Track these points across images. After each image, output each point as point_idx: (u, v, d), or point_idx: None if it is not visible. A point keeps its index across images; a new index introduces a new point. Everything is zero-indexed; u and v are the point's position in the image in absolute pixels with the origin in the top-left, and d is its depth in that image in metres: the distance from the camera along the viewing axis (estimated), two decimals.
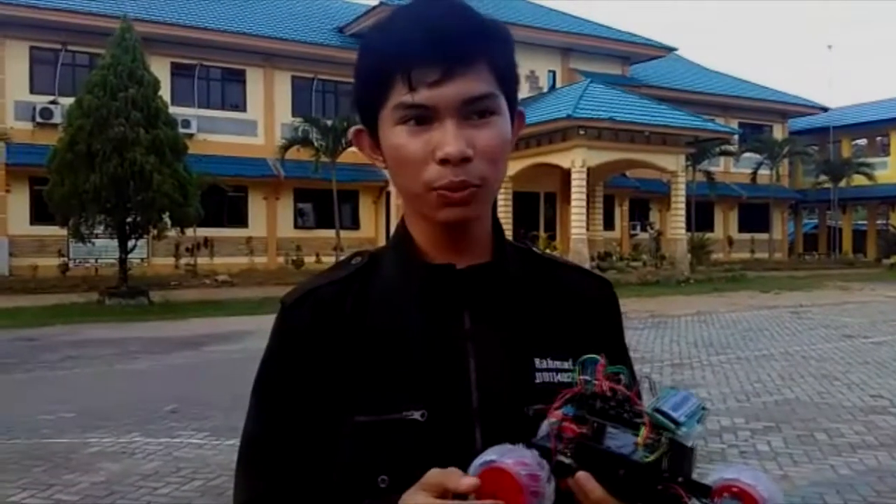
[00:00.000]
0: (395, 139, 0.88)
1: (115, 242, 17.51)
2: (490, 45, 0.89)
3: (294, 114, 25.82)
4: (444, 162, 0.85)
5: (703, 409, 0.76)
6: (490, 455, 0.74)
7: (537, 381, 0.91)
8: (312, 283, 0.98)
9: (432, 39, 0.85)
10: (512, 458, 0.73)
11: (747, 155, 32.30)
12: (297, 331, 0.95)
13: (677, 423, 0.73)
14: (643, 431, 0.73)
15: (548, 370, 0.92)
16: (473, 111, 0.87)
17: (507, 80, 0.91)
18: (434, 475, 0.78)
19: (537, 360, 0.93)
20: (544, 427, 0.79)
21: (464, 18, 0.88)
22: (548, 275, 1.01)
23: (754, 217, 34.80)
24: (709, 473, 0.74)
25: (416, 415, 0.87)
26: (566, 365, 0.92)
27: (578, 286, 1.02)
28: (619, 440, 0.76)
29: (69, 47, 23.30)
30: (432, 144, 0.86)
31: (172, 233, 17.89)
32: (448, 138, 0.85)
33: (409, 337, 0.91)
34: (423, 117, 0.86)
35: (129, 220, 16.67)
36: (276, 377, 0.96)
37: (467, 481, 0.75)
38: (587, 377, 0.78)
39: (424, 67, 0.85)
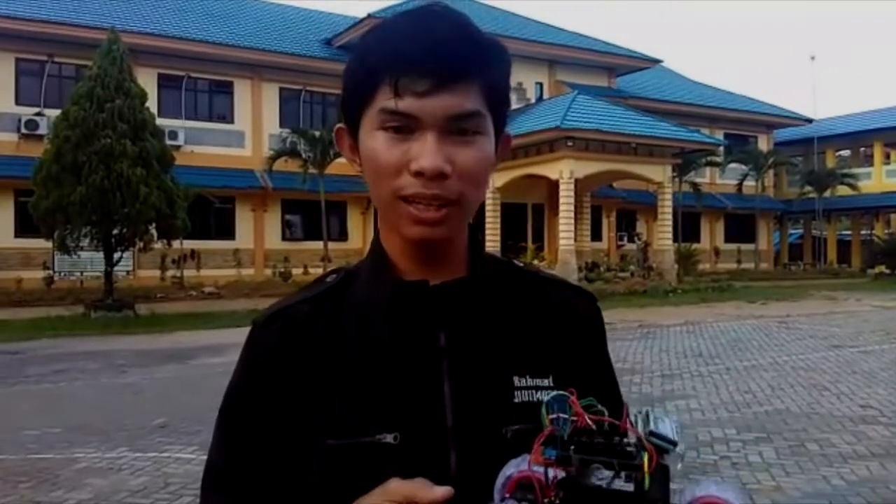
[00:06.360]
0: (372, 143, 0.86)
1: (100, 255, 17.36)
2: (486, 64, 0.86)
3: (282, 125, 25.82)
4: (418, 175, 0.83)
5: (679, 424, 0.71)
6: None
7: (516, 399, 0.88)
8: (285, 302, 0.96)
9: (427, 49, 0.82)
10: None
11: (733, 166, 32.55)
12: (263, 352, 0.93)
13: (674, 443, 0.69)
14: (645, 457, 0.67)
15: (527, 388, 0.89)
16: (458, 128, 0.84)
17: (498, 101, 0.89)
18: (400, 487, 0.77)
19: (516, 379, 0.90)
20: (505, 475, 0.72)
21: (463, 34, 0.86)
22: (529, 289, 0.98)
23: (740, 227, 35.04)
24: (677, 492, 0.70)
25: (389, 438, 0.85)
26: (546, 382, 0.90)
27: (561, 300, 0.99)
28: (609, 474, 0.69)
29: (55, 59, 23.20)
30: (410, 155, 0.83)
31: (159, 245, 17.74)
32: (426, 152, 0.82)
33: (381, 357, 0.88)
34: (404, 126, 0.83)
35: (115, 232, 16.53)
36: (241, 401, 0.94)
37: (440, 491, 0.74)
38: (564, 415, 0.70)
39: (414, 76, 0.82)
